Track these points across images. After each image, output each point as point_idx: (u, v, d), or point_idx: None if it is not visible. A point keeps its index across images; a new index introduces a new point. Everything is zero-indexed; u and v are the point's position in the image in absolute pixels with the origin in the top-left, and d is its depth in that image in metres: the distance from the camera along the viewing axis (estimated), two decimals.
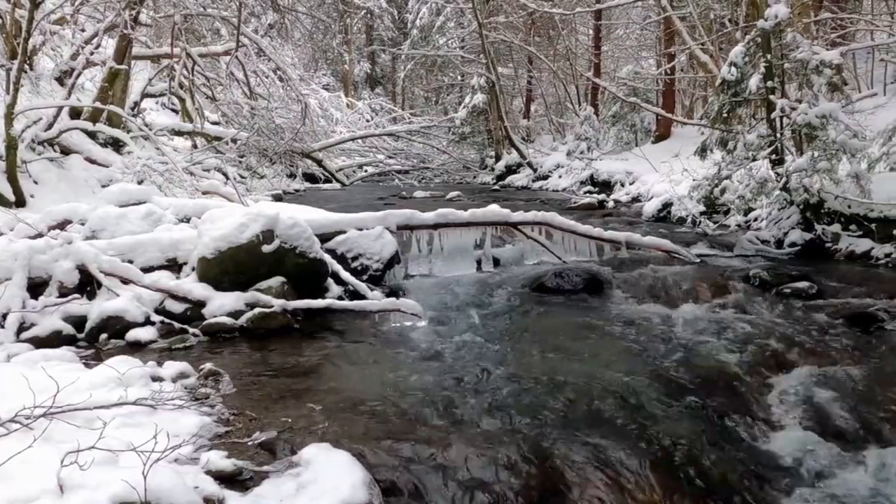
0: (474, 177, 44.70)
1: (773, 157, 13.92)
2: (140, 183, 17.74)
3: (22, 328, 8.38)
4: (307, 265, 10.08)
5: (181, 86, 29.62)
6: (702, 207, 16.65)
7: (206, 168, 24.36)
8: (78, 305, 8.82)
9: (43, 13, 21.22)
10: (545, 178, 36.20)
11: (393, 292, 10.96)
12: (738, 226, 16.21)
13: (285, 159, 33.52)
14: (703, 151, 15.36)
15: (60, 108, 20.26)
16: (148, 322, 8.82)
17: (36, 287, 9.00)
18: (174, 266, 10.14)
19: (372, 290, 10.56)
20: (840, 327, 8.80)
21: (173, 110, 37.05)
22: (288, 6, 41.26)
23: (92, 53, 23.47)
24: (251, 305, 9.12)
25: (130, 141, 22.51)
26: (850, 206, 13.14)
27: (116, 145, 22.63)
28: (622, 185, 28.38)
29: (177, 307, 9.21)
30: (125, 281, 9.35)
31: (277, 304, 9.16)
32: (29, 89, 22.88)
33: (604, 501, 5.05)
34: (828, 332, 8.61)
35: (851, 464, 5.66)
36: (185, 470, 4.61)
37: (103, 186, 18.13)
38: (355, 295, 10.37)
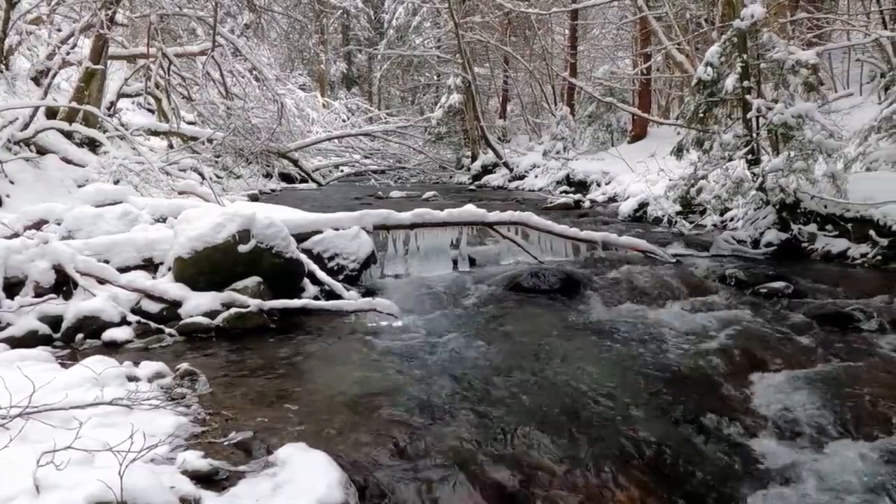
0: (450, 177, 44.68)
1: (750, 157, 13.98)
2: (116, 183, 17.70)
3: None
4: (283, 265, 10.08)
5: (157, 86, 29.55)
6: (678, 207, 16.69)
7: (182, 168, 24.28)
8: (54, 305, 8.79)
9: (19, 13, 21.21)
10: (521, 177, 36.30)
11: (369, 292, 10.98)
12: (715, 226, 16.27)
13: (261, 159, 33.51)
14: (679, 151, 15.40)
15: (36, 108, 20.17)
16: (124, 322, 8.80)
17: (12, 287, 8.96)
18: (150, 266, 10.13)
19: (348, 289, 10.58)
20: (816, 327, 8.84)
21: (149, 110, 36.95)
22: (264, 6, 41.20)
23: (68, 53, 23.37)
24: (227, 305, 9.11)
25: (106, 141, 22.40)
26: (826, 206, 13.20)
27: (92, 145, 22.52)
28: (598, 184, 28.47)
29: (153, 307, 9.19)
30: (101, 281, 9.32)
31: (253, 303, 9.16)
32: (5, 89, 22.85)
33: (581, 499, 5.06)
34: (804, 332, 8.64)
35: (828, 463, 5.67)
36: (161, 470, 4.60)
37: (79, 186, 18.06)
38: (331, 295, 10.38)
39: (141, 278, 9.61)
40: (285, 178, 36.42)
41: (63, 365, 7.02)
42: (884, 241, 12.22)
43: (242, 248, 9.64)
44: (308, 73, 71.99)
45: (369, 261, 11.82)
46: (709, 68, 14.31)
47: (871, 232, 12.40)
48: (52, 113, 21.57)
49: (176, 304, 9.19)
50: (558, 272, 11.54)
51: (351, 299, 10.05)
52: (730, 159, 14.32)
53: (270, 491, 4.54)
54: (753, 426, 6.26)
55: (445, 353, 8.06)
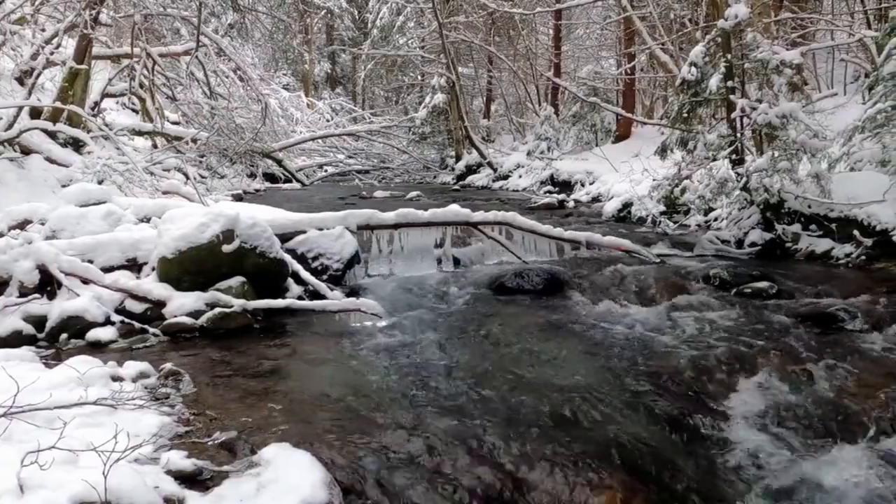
0: (434, 177, 44.60)
1: (734, 156, 14.01)
2: (100, 183, 17.62)
3: None
4: (267, 265, 10.08)
5: (141, 86, 29.51)
6: (662, 207, 16.72)
7: (166, 168, 24.26)
8: (38, 305, 8.79)
9: (2, 13, 21.15)
10: (505, 177, 36.18)
11: (353, 292, 10.98)
12: (699, 226, 16.25)
13: (245, 159, 33.49)
14: (663, 151, 15.45)
15: (20, 108, 20.14)
16: (108, 322, 8.80)
17: None
18: (134, 266, 10.12)
19: (332, 289, 10.58)
20: (800, 327, 8.85)
21: (133, 110, 36.90)
22: (248, 6, 41.21)
23: (52, 53, 23.30)
24: (211, 305, 9.12)
25: (91, 141, 22.32)
26: (810, 206, 13.21)
27: (76, 145, 22.46)
28: (582, 184, 28.38)
29: (137, 307, 9.20)
30: (85, 281, 9.31)
31: (237, 303, 9.16)
32: None
33: (563, 500, 5.07)
34: (788, 332, 8.65)
35: (811, 462, 5.69)
36: (145, 470, 4.60)
37: (63, 186, 18.03)
38: (315, 295, 10.38)
39: (125, 278, 9.62)
40: (269, 178, 36.35)
41: (47, 365, 7.03)
42: (868, 241, 12.23)
43: (226, 248, 9.63)
44: (292, 73, 71.96)
45: (353, 261, 11.82)
46: (693, 68, 14.34)
47: (856, 232, 12.41)
48: (36, 113, 21.54)
49: (160, 304, 9.19)
50: (542, 272, 11.55)
51: (335, 299, 10.06)
52: (714, 159, 14.35)
53: (254, 491, 4.54)
54: (737, 426, 6.27)
55: (429, 354, 8.07)
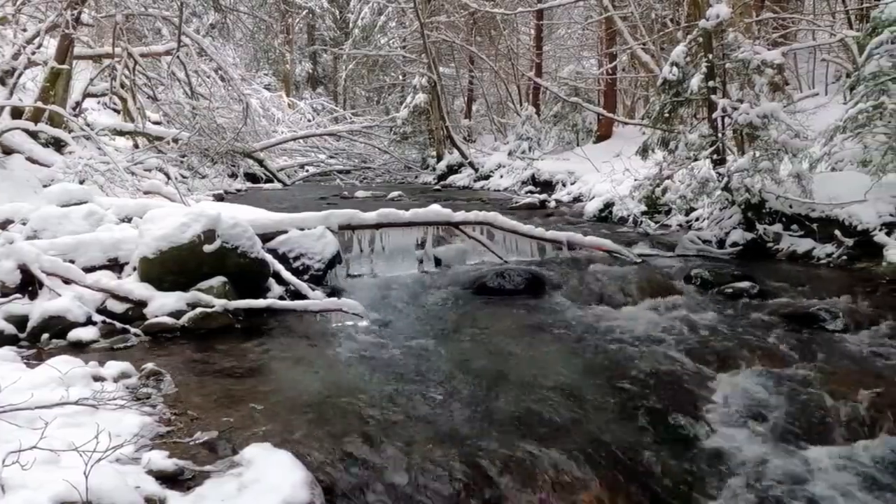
0: (416, 177, 44.56)
1: (715, 156, 14.04)
2: (81, 183, 17.57)
3: None
4: (249, 265, 10.06)
5: (122, 86, 29.36)
6: (643, 207, 16.74)
7: (147, 168, 24.21)
8: (19, 305, 8.75)
9: None
10: (487, 177, 36.20)
11: (334, 292, 10.98)
12: (680, 226, 16.30)
13: (227, 159, 33.38)
14: (644, 151, 15.46)
15: (1, 108, 20.11)
16: (90, 322, 8.77)
17: None
18: (116, 266, 10.08)
19: (313, 289, 10.56)
20: (781, 327, 8.88)
21: (115, 110, 36.70)
22: (229, 6, 41.12)
23: (34, 53, 23.22)
24: (192, 305, 9.09)
25: (72, 141, 22.30)
26: (791, 206, 13.25)
27: (58, 145, 22.39)
28: (564, 184, 28.35)
29: (118, 307, 9.16)
30: (67, 281, 9.29)
31: (219, 303, 9.14)
32: None
33: (544, 499, 5.07)
34: (769, 332, 8.67)
35: (791, 461, 5.70)
36: (126, 470, 4.59)
37: (45, 186, 17.96)
38: (297, 295, 10.36)
39: (106, 278, 9.58)
40: (251, 177, 36.26)
41: (29, 365, 7.01)
42: (849, 241, 12.27)
43: (208, 248, 9.62)
44: (273, 72, 71.73)
45: (334, 261, 11.80)
46: (674, 68, 14.36)
47: (837, 232, 12.45)
48: (17, 113, 21.48)
49: (141, 304, 9.16)
50: (523, 272, 11.56)
51: (316, 299, 10.04)
52: (695, 159, 14.37)
53: (236, 491, 4.54)
54: (718, 425, 6.29)
55: (410, 354, 8.06)
